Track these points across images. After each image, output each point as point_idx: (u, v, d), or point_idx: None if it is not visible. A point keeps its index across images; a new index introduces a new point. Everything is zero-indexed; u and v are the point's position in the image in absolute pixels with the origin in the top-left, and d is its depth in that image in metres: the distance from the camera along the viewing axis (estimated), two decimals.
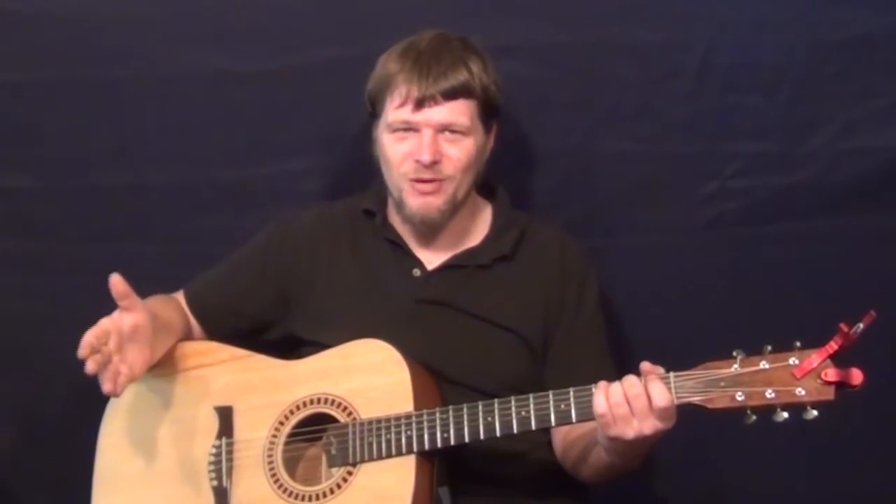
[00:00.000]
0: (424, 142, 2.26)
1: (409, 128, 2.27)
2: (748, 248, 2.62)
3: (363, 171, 2.49)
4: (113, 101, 2.70)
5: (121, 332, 2.17)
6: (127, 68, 2.68)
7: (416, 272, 2.34)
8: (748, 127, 2.60)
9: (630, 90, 2.62)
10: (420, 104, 2.26)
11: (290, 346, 2.37)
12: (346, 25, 2.64)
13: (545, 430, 2.24)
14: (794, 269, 2.61)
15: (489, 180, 2.43)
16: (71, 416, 2.68)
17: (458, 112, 2.27)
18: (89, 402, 2.42)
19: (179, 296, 2.46)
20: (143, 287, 2.45)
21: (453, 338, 2.30)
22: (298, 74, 2.66)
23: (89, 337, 2.13)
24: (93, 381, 2.49)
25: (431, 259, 2.35)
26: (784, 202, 2.60)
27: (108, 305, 2.64)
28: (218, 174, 2.71)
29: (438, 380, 2.23)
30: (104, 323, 2.17)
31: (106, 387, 2.16)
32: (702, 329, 2.60)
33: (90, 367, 2.12)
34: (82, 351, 2.12)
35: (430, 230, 2.34)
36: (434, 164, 2.26)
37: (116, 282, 2.18)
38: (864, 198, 2.59)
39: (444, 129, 2.27)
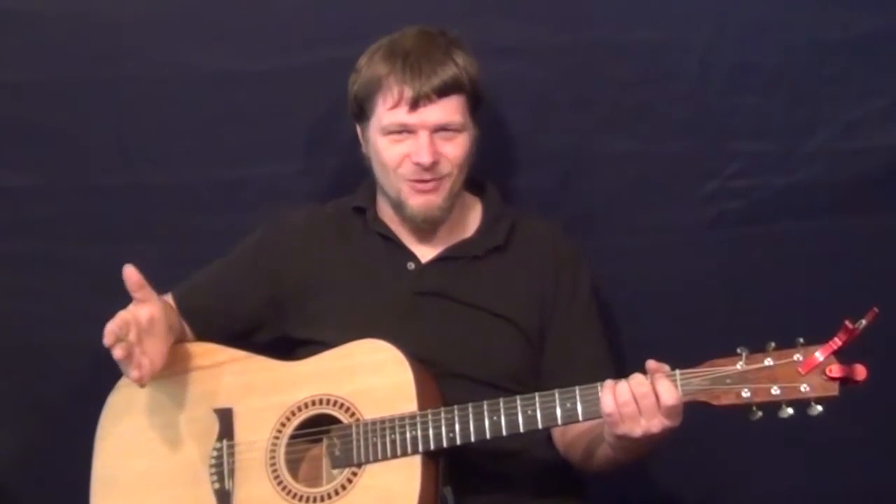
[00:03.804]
0: (422, 144, 2.26)
1: (405, 129, 2.28)
2: (748, 247, 2.62)
3: (362, 171, 2.49)
4: (113, 101, 2.70)
5: (139, 325, 2.18)
6: (127, 68, 2.68)
7: (411, 265, 2.35)
8: (748, 127, 2.61)
9: (630, 90, 2.62)
10: (415, 104, 2.26)
11: (283, 349, 2.36)
12: (346, 25, 2.64)
13: (546, 428, 2.25)
14: (794, 269, 2.62)
15: (477, 177, 2.43)
16: (71, 416, 2.68)
17: (452, 110, 2.28)
18: (89, 402, 2.42)
19: (168, 298, 2.44)
20: None
21: (452, 328, 2.30)
22: (298, 74, 2.66)
23: (112, 326, 2.13)
24: (93, 381, 2.50)
25: (425, 252, 2.36)
26: (784, 202, 2.61)
27: (107, 305, 2.65)
28: (218, 174, 2.71)
29: (438, 377, 2.22)
30: (123, 315, 2.17)
31: (133, 374, 2.15)
32: (702, 329, 2.60)
33: (119, 353, 2.12)
34: (107, 339, 2.11)
35: (430, 227, 2.35)
36: (433, 165, 2.27)
37: (130, 273, 2.19)
38: (864, 198, 2.59)
39: (439, 129, 2.28)
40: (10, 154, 2.73)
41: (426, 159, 2.26)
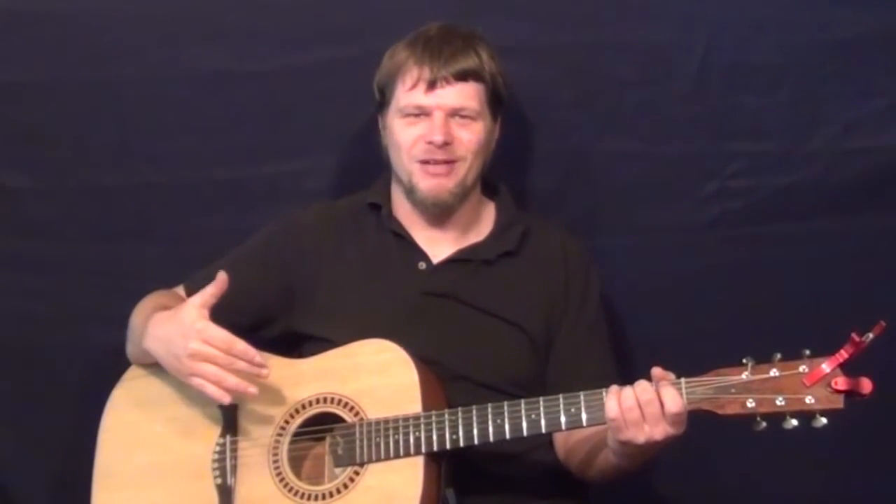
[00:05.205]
0: (436, 123, 2.28)
1: (421, 112, 2.30)
2: (748, 248, 2.62)
3: (363, 171, 2.50)
4: (113, 101, 2.70)
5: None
6: (127, 68, 2.68)
7: (422, 265, 2.35)
8: (748, 127, 2.61)
9: (630, 90, 2.62)
10: (432, 85, 2.29)
11: (291, 344, 2.37)
12: (346, 25, 2.65)
13: (549, 433, 2.24)
14: (794, 269, 2.61)
15: (491, 179, 2.44)
16: (71, 416, 2.68)
17: (468, 95, 2.30)
18: (89, 402, 2.42)
19: (180, 290, 2.44)
20: (143, 287, 2.46)
21: (458, 331, 2.30)
22: (298, 74, 2.66)
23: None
24: (93, 381, 2.51)
25: (436, 253, 2.36)
26: (784, 202, 2.61)
27: (107, 305, 2.65)
28: (218, 174, 2.71)
29: (443, 379, 2.23)
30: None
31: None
32: (702, 329, 2.60)
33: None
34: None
35: (439, 215, 2.35)
36: (446, 144, 2.28)
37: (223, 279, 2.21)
38: (864, 198, 2.59)
39: (454, 112, 2.30)
40: (11, 154, 2.72)
41: (439, 138, 2.27)
